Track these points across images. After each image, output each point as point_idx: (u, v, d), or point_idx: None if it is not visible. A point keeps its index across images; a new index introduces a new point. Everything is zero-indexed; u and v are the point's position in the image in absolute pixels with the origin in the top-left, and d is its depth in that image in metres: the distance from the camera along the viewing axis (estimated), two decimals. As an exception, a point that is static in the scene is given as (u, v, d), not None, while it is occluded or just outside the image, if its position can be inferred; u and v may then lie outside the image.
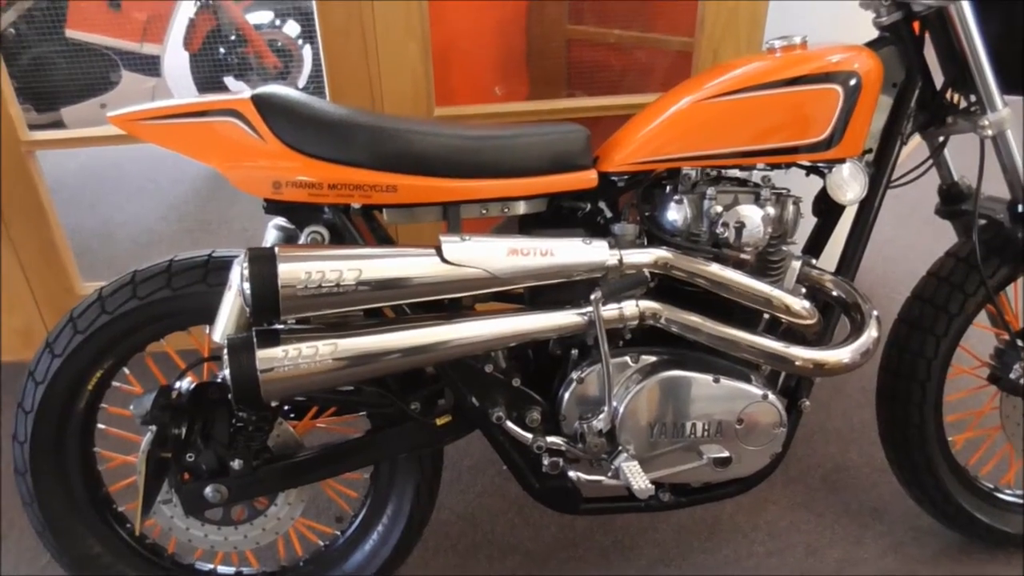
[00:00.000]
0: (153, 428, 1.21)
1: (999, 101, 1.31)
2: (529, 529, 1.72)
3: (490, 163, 1.24)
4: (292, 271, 1.07)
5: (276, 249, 1.09)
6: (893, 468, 1.61)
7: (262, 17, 3.62)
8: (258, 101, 1.18)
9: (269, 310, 1.08)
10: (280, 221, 1.28)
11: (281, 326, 1.14)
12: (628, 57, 2.67)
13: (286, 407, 1.37)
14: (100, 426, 1.40)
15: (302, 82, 3.75)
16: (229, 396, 1.13)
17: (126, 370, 1.38)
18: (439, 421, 1.33)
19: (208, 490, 1.25)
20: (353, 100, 1.98)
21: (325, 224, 1.25)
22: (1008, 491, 1.64)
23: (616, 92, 2.43)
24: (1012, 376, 1.46)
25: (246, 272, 1.06)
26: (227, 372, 1.09)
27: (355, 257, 1.11)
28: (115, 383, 1.39)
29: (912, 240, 2.86)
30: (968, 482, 1.59)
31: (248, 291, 1.06)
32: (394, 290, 1.13)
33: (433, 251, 1.16)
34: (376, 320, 1.20)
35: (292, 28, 3.71)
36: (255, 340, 1.10)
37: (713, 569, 1.62)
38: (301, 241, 1.24)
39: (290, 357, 1.10)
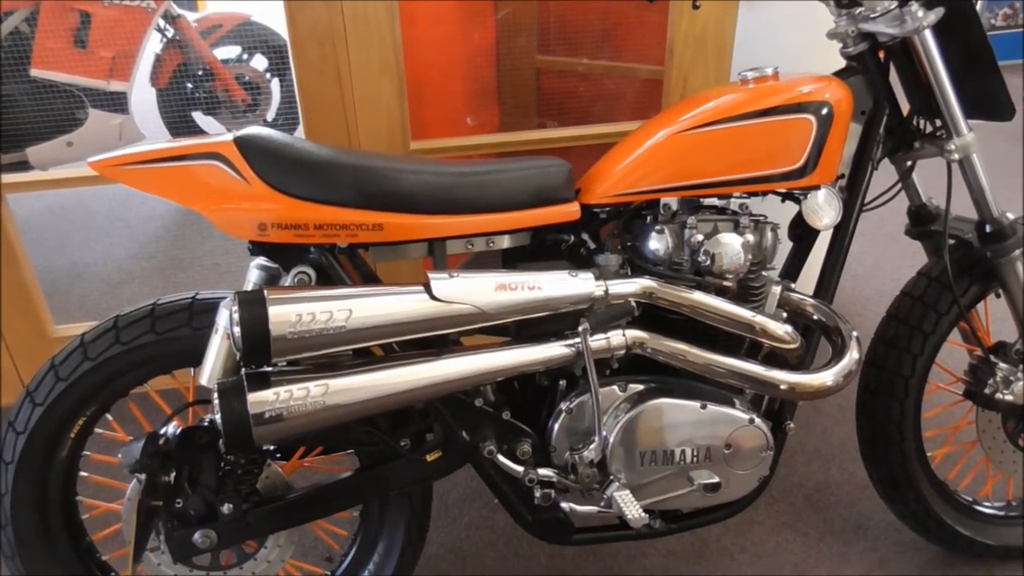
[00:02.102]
0: (142, 476, 1.19)
1: (964, 126, 1.36)
2: (519, 560, 1.71)
3: (474, 199, 1.26)
4: (282, 313, 1.07)
5: (265, 292, 1.09)
6: (875, 485, 1.64)
7: (229, 52, 3.62)
8: (241, 143, 1.18)
9: (260, 353, 1.07)
10: (263, 261, 1.27)
11: (271, 368, 1.13)
12: (598, 86, 2.71)
13: (273, 448, 1.36)
14: (82, 474, 1.38)
15: (271, 115, 3.75)
16: (219, 440, 1.12)
17: (109, 416, 1.36)
18: (429, 457, 1.33)
19: (197, 536, 1.23)
20: (329, 138, 1.98)
21: (311, 264, 1.25)
22: (986, 503, 1.67)
23: (586, 121, 2.47)
24: (987, 391, 1.49)
25: (235, 315, 1.06)
26: (218, 417, 1.08)
27: (344, 297, 1.11)
28: (98, 429, 1.37)
29: (879, 258, 2.92)
30: (948, 496, 1.62)
31: (238, 334, 1.06)
32: (384, 328, 1.13)
33: (422, 288, 1.16)
34: (366, 359, 1.20)
35: (260, 62, 3.71)
36: (245, 384, 1.09)
37: (703, 593, 1.63)
38: (287, 282, 1.24)
39: (281, 400, 1.09)
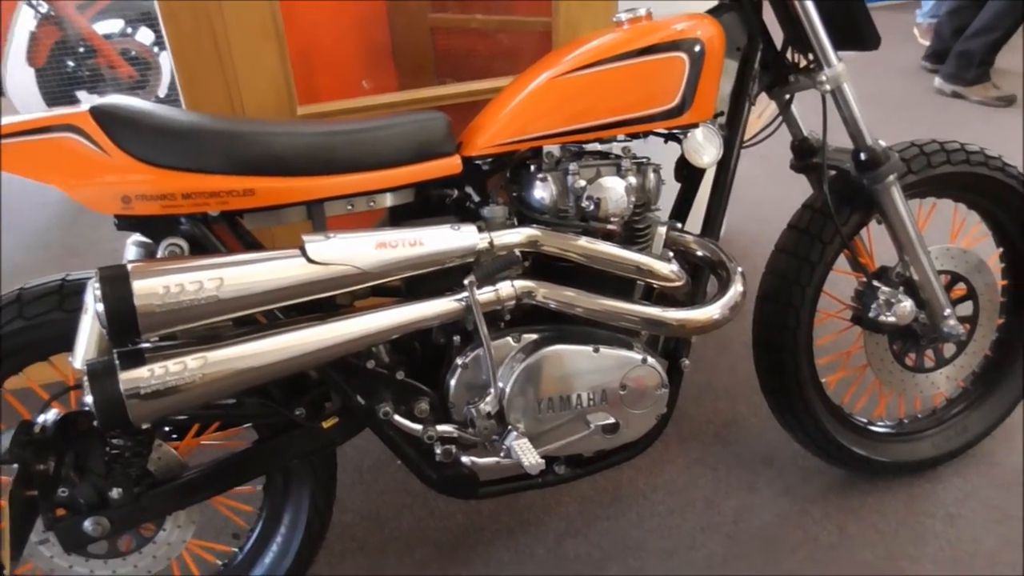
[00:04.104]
0: (16, 466, 1.14)
1: (834, 57, 1.38)
2: (435, 520, 1.72)
3: (350, 158, 1.22)
4: (147, 287, 1.03)
5: (128, 266, 1.04)
6: (776, 415, 1.69)
7: (112, 26, 3.45)
8: (98, 113, 1.12)
9: (127, 330, 1.03)
10: (139, 237, 1.22)
11: (146, 344, 1.09)
12: (494, 41, 2.68)
13: (166, 427, 1.32)
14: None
15: (163, 91, 3.60)
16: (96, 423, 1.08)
17: (-12, 410, 1.30)
18: (326, 424, 1.31)
19: (88, 524, 1.19)
20: (211, 107, 1.91)
21: (183, 235, 1.20)
22: (880, 423, 1.74)
23: (486, 77, 2.44)
24: (871, 315, 1.54)
25: (98, 292, 1.02)
26: (90, 399, 1.04)
27: (214, 267, 1.08)
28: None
29: (781, 199, 2.98)
30: (844, 419, 1.68)
31: (103, 312, 1.02)
32: (260, 296, 1.10)
33: (298, 252, 1.13)
34: (247, 328, 1.16)
35: (145, 36, 3.55)
36: (117, 363, 1.05)
37: (618, 534, 1.66)
38: (159, 255, 1.19)
39: (156, 376, 1.05)
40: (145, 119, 1.14)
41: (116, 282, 1.02)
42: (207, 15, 1.81)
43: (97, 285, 1.02)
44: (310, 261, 1.12)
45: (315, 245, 1.13)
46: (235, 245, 1.28)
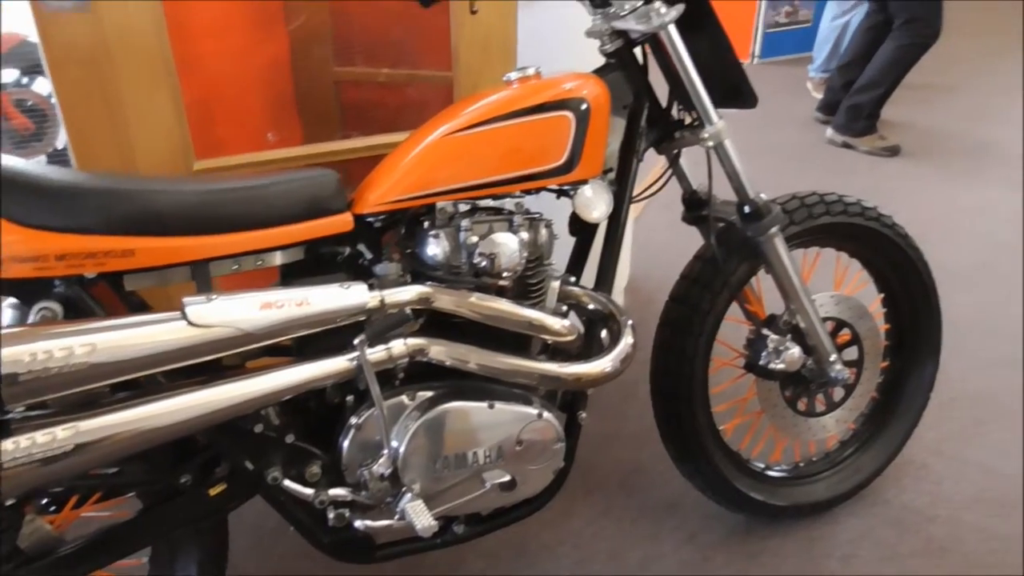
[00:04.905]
0: None
1: (714, 115, 1.44)
2: (337, 584, 1.66)
3: (236, 216, 1.20)
4: (12, 355, 0.98)
5: (-9, 333, 0.99)
6: (675, 463, 1.71)
7: (7, 75, 3.33)
8: (-37, 173, 1.07)
9: (-10, 401, 0.98)
10: (14, 300, 1.17)
11: (13, 415, 1.04)
12: (400, 94, 2.70)
13: (42, 500, 1.25)
14: None
15: (61, 142, 3.48)
16: (-44, 501, 1.02)
17: None
18: (213, 491, 1.26)
19: (-51, 609, 1.12)
20: (103, 163, 1.85)
21: (57, 299, 1.15)
22: (777, 468, 1.78)
23: (393, 130, 2.45)
24: (762, 363, 1.59)
25: (-43, 363, 0.96)
26: (-53, 476, 0.98)
27: (86, 332, 1.03)
28: None
29: (685, 245, 3.06)
30: (742, 465, 1.72)
31: (-38, 383, 0.96)
32: (136, 361, 1.06)
33: (178, 315, 1.10)
34: (127, 394, 1.12)
35: (43, 86, 3.44)
36: (-22, 436, 0.99)
37: (523, 590, 1.64)
38: (31, 320, 1.14)
39: (22, 448, 1.00)
40: (16, 178, 1.09)
41: (-23, 351, 0.97)
42: (96, 67, 1.76)
43: (-44, 354, 0.97)
44: (191, 324, 1.09)
45: (196, 307, 1.10)
46: (117, 307, 1.24)
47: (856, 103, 3.92)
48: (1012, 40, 5.61)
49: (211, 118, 2.27)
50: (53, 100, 3.62)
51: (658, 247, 3.00)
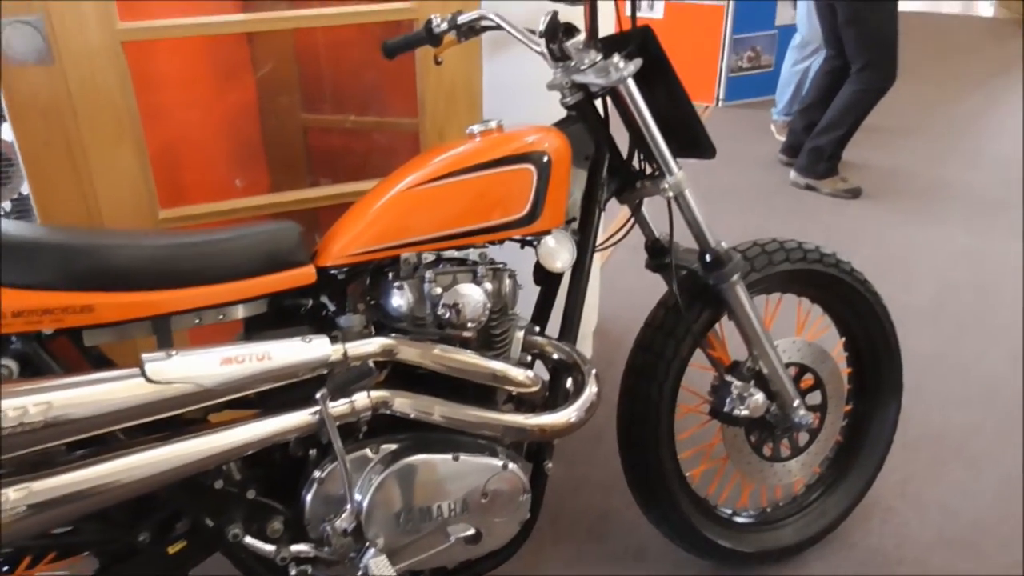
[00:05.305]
0: None
1: (674, 166, 1.46)
2: (301, 640, 1.63)
3: (196, 270, 1.20)
4: (-36, 417, 0.97)
5: (-57, 394, 0.98)
6: (642, 510, 1.71)
7: (-30, 122, 3.31)
8: (-83, 229, 1.06)
9: (-60, 464, 0.96)
10: (-31, 357, 1.15)
11: (-35, 477, 1.02)
12: (368, 141, 2.72)
13: (-6, 562, 1.22)
14: None
15: (26, 188, 3.45)
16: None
17: None
18: (172, 549, 1.24)
19: None
20: (65, 213, 1.83)
21: (13, 355, 1.13)
22: (744, 514, 1.79)
23: (361, 176, 2.45)
24: (727, 409, 1.60)
25: (-94, 425, 0.94)
26: None
27: (41, 390, 1.02)
28: None
29: (652, 288, 3.09)
30: (709, 511, 1.72)
31: (-89, 446, 0.94)
32: (93, 420, 1.05)
33: (137, 371, 1.09)
34: (83, 453, 1.10)
35: (8, 132, 3.42)
36: (-72, 500, 0.97)
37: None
38: (-14, 378, 1.12)
39: (-28, 512, 0.98)
40: (-29, 234, 1.09)
41: (-73, 413, 0.95)
42: (59, 118, 1.76)
43: (-95, 417, 0.95)
44: (149, 381, 1.08)
45: (155, 364, 1.09)
46: (77, 362, 1.22)
47: (817, 145, 4.01)
48: (963, 85, 5.79)
49: (177, 165, 2.26)
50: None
51: (626, 289, 3.02)
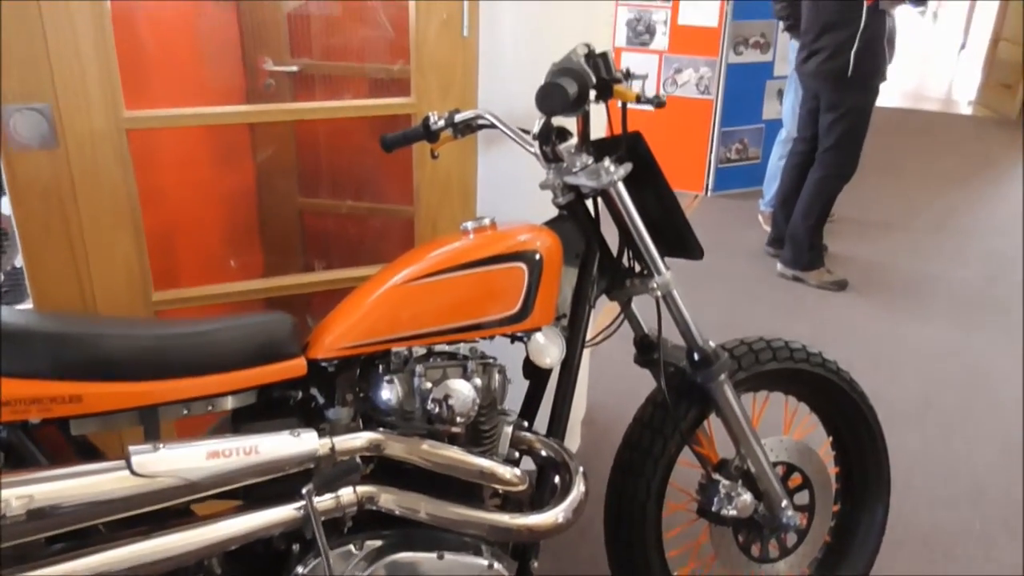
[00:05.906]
0: None
1: (662, 266, 1.49)
2: None
3: (186, 361, 1.20)
4: (-56, 510, 0.96)
5: (-75, 486, 0.97)
6: (629, 609, 1.67)
7: (-33, 195, 3.34)
8: (-91, 316, 1.07)
9: (-84, 558, 0.94)
10: (-47, 445, 1.14)
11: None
12: (363, 225, 2.76)
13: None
14: None
15: (20, 261, 3.47)
16: None
17: None
18: (143, 649, 1.21)
19: None
20: (59, 295, 1.84)
21: (-1, 445, 1.13)
22: (732, 616, 1.75)
23: (355, 261, 2.48)
24: (715, 508, 1.59)
25: None
26: None
27: (24, 483, 1.01)
28: None
29: (641, 375, 3.10)
30: (696, 613, 1.69)
31: None
32: (76, 513, 1.04)
33: (123, 464, 1.09)
34: (61, 547, 1.09)
35: (7, 206, 3.45)
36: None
37: None
38: (-31, 468, 1.12)
39: (-55, 609, 0.96)
40: (-41, 321, 1.09)
41: (-93, 506, 0.94)
42: (59, 201, 1.78)
43: None
44: (135, 474, 1.08)
45: (141, 457, 1.09)
46: (62, 449, 1.21)
47: (793, 235, 4.10)
48: (946, 181, 5.94)
49: (173, 247, 2.29)
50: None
51: (615, 376, 3.02)
